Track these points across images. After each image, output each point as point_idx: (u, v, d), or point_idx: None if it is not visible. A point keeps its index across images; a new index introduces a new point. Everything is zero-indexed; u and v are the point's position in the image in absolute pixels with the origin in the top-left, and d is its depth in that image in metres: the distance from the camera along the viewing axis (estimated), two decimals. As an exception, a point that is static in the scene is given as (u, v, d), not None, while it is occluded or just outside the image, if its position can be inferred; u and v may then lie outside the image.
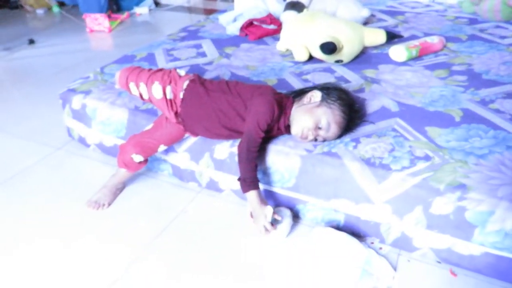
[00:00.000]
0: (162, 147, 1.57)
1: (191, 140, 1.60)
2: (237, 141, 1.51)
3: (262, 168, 1.49)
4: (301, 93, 1.53)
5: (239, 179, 1.42)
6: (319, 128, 1.43)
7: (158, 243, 1.44)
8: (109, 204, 1.61)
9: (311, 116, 1.42)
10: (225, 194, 1.64)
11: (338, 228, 1.44)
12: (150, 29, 3.63)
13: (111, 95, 1.79)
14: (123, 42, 3.28)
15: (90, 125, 1.81)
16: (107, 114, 1.75)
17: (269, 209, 1.36)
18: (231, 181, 1.58)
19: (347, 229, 1.43)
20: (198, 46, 2.25)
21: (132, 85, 1.62)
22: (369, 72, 1.92)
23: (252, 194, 1.39)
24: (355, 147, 1.43)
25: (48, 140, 1.98)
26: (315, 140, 1.46)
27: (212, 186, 1.65)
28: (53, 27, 3.70)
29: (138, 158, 1.53)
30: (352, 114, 1.48)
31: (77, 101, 1.82)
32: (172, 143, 1.59)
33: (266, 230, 1.36)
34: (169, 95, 1.53)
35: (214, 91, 1.51)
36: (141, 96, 1.62)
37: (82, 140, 1.91)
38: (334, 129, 1.43)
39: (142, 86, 1.58)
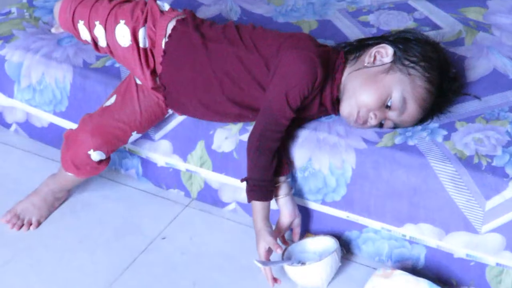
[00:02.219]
0: (134, 136, 1.58)
1: (175, 120, 1.62)
2: (252, 125, 1.52)
3: (291, 169, 1.50)
4: (361, 46, 1.52)
5: (242, 180, 1.45)
6: (388, 108, 1.42)
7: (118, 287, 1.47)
8: (39, 223, 1.64)
9: (374, 88, 1.42)
10: (230, 211, 1.66)
11: (415, 271, 1.44)
12: None
13: (46, 42, 1.81)
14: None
15: (11, 93, 1.84)
16: (38, 75, 1.77)
17: (272, 242, 1.41)
18: (240, 189, 1.58)
19: (430, 273, 1.44)
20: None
21: (81, 26, 1.62)
22: (472, 12, 1.90)
23: (257, 207, 1.43)
24: (447, 137, 1.42)
25: None
26: (381, 126, 1.45)
27: (208, 196, 1.67)
28: None
29: (98, 155, 1.55)
30: (445, 85, 1.47)
31: (-10, 53, 1.85)
32: (149, 127, 1.60)
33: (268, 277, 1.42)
34: (143, 43, 1.55)
35: (216, 41, 1.51)
36: (95, 43, 1.63)
37: (-2, 117, 1.95)
38: (412, 111, 1.42)
39: (99, 27, 1.59)
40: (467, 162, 1.36)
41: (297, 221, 1.51)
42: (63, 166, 1.60)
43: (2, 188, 1.75)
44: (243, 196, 1.57)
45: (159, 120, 1.61)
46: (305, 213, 1.54)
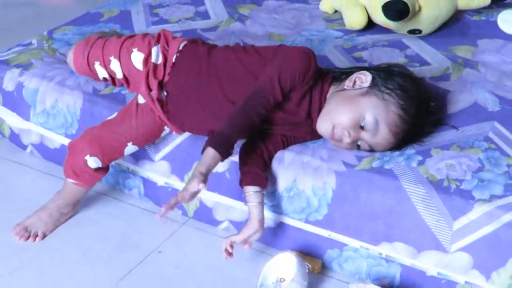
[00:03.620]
0: (130, 147, 1.69)
1: (174, 142, 1.73)
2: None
3: (275, 189, 1.59)
4: (346, 73, 1.64)
5: (209, 133, 1.46)
6: (362, 128, 1.52)
7: (115, 295, 1.56)
8: (45, 235, 1.74)
9: (349, 108, 1.52)
10: (223, 229, 1.75)
11: (392, 288, 1.51)
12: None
13: (60, 71, 1.94)
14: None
15: (27, 116, 1.97)
16: (52, 100, 1.90)
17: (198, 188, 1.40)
18: (232, 208, 1.69)
19: (406, 291, 1.51)
20: (199, 3, 2.39)
21: (97, 66, 1.77)
22: (462, 50, 2.00)
23: (208, 155, 1.43)
24: (421, 162, 1.51)
25: (-35, 137, 2.16)
26: (358, 148, 1.55)
27: (203, 215, 1.76)
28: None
29: (94, 162, 1.65)
30: (421, 115, 1.56)
31: (10, 79, 1.98)
32: (145, 142, 1.71)
33: (183, 197, 1.41)
34: (156, 58, 1.68)
35: (219, 49, 1.67)
36: (112, 79, 1.78)
37: (15, 138, 2.07)
38: (385, 134, 1.52)
39: (114, 61, 1.73)
40: (437, 185, 1.45)
41: (258, 236, 1.53)
42: (64, 174, 1.70)
43: (15, 205, 1.86)
44: (235, 215, 1.68)
45: (155, 137, 1.71)
46: (289, 231, 1.62)
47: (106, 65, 1.75)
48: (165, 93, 1.66)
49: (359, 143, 1.54)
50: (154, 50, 1.68)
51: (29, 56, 2.04)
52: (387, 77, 1.57)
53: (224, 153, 1.46)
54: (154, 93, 1.65)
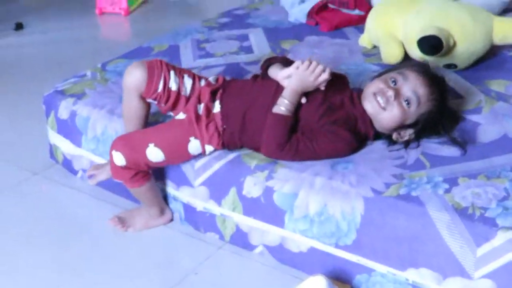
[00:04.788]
0: (153, 150, 1.75)
1: (212, 168, 1.81)
2: (277, 171, 1.71)
3: (307, 213, 1.66)
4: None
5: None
6: (394, 83, 1.74)
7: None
8: (135, 230, 1.93)
9: (376, 80, 1.78)
10: (257, 253, 1.81)
11: (418, 313, 1.55)
12: (186, 11, 3.99)
13: (110, 100, 2.08)
14: (145, 29, 3.67)
15: (79, 143, 2.10)
16: (102, 127, 2.03)
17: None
18: (267, 233, 1.75)
19: (432, 317, 1.53)
20: (244, 38, 2.50)
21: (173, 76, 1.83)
22: (496, 84, 2.04)
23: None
24: (448, 190, 1.56)
25: (23, 162, 2.31)
26: (407, 103, 1.71)
27: (239, 239, 1.83)
28: (51, 7, 4.19)
29: (119, 158, 1.75)
30: (442, 93, 1.77)
31: (65, 108, 2.12)
32: (169, 149, 1.77)
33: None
34: (201, 111, 1.80)
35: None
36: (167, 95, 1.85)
37: (67, 164, 2.20)
38: (413, 78, 1.73)
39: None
40: (462, 212, 1.48)
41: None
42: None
43: (67, 225, 1.98)
44: (270, 239, 1.75)
45: (181, 148, 1.77)
46: (319, 256, 1.67)
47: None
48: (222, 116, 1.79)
49: (405, 99, 1.71)
50: (200, 108, 1.81)
51: (83, 86, 2.18)
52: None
53: None
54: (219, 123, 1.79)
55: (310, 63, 1.70)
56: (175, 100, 1.83)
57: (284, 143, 1.69)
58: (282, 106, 1.70)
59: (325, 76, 1.70)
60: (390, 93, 1.71)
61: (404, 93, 1.71)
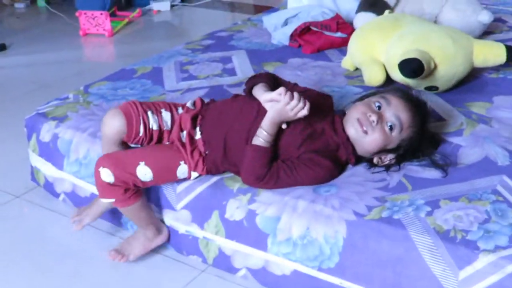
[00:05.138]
0: (143, 168, 1.74)
1: (194, 192, 1.81)
2: (260, 194, 1.71)
3: (290, 237, 1.65)
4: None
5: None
6: (379, 109, 1.74)
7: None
8: (135, 256, 1.86)
9: (360, 104, 1.79)
10: (240, 277, 1.80)
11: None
12: (170, 33, 4.04)
13: (93, 123, 2.06)
14: (128, 50, 3.69)
15: (61, 166, 2.09)
16: (84, 150, 2.02)
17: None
18: (250, 256, 1.75)
19: None
20: (227, 60, 2.52)
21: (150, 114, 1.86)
22: (477, 106, 2.06)
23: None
24: (429, 213, 1.56)
25: (3, 184, 2.29)
26: (391, 129, 1.72)
27: (222, 262, 1.82)
28: (35, 28, 4.21)
29: (107, 174, 1.72)
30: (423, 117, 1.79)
31: (46, 131, 2.11)
32: (159, 168, 1.76)
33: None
34: (185, 138, 1.81)
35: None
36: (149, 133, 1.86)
37: (49, 187, 2.18)
38: (396, 103, 1.74)
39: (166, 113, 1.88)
40: (444, 236, 1.49)
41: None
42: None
43: (50, 250, 1.96)
44: (252, 263, 1.74)
45: (170, 169, 1.77)
46: (303, 279, 1.66)
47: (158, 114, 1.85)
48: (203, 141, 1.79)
49: (388, 124, 1.72)
50: (183, 135, 1.82)
51: (66, 109, 2.17)
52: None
53: None
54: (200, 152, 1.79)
55: (292, 97, 1.66)
56: (159, 137, 1.84)
57: (263, 174, 1.68)
58: (261, 137, 1.69)
59: (304, 112, 1.67)
60: (374, 117, 1.71)
61: (387, 118, 1.72)
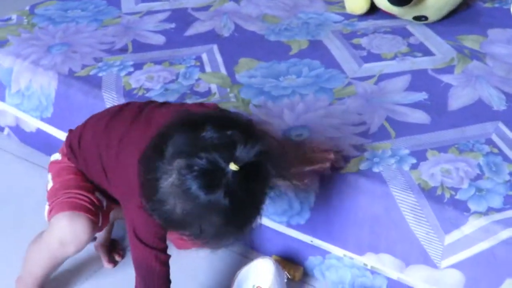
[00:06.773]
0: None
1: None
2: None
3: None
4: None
5: None
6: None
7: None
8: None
9: None
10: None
11: (377, 302, 1.42)
12: None
13: (36, 49, 1.86)
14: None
15: (3, 97, 1.89)
16: (26, 81, 1.81)
17: None
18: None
19: (392, 305, 1.41)
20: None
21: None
22: (470, 40, 1.89)
23: None
24: (415, 166, 1.39)
25: None
26: None
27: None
28: None
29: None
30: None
31: (-16, 56, 1.90)
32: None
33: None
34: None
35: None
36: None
37: (-8, 120, 2.00)
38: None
39: None
40: (430, 194, 1.32)
41: None
42: None
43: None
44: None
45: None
46: (271, 235, 1.52)
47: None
48: None
49: None
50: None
51: (6, 32, 1.97)
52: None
53: None
54: None
55: None
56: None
57: None
58: None
59: None
60: None
61: None
